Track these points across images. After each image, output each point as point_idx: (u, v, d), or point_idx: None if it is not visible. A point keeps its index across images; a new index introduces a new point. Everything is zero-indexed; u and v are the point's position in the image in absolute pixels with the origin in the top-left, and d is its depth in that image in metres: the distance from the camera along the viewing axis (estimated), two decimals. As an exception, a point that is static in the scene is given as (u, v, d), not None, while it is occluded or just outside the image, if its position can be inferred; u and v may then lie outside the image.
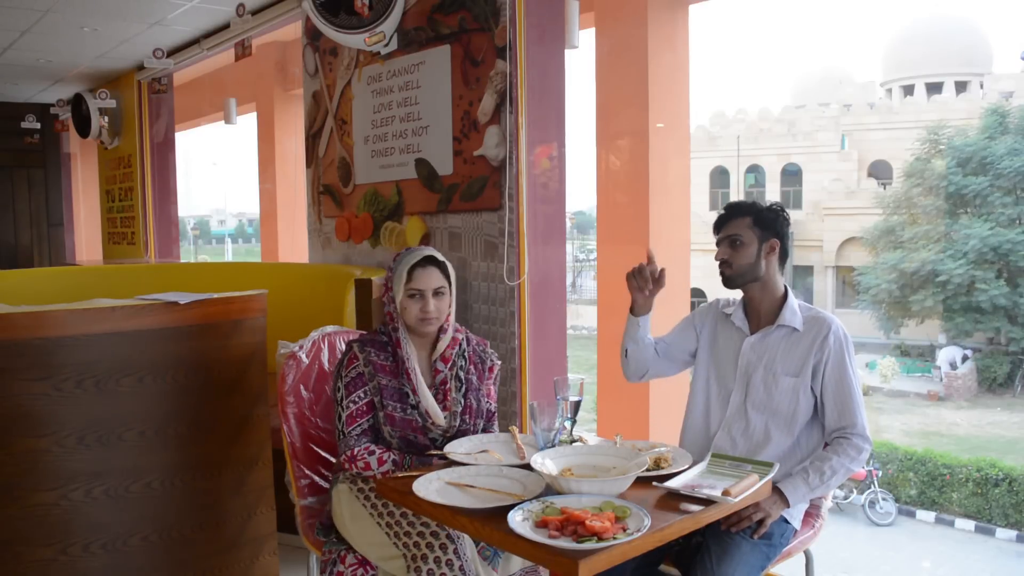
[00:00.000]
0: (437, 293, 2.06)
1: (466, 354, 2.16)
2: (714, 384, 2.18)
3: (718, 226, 2.16)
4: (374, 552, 1.94)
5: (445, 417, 2.08)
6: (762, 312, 2.14)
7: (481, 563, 1.95)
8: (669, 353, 2.25)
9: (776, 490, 1.94)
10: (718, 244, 2.15)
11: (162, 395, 2.21)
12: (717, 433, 2.11)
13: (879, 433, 15.48)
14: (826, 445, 2.07)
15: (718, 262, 2.13)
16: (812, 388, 2.05)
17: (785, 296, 2.13)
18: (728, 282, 2.13)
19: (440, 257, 2.10)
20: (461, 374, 2.14)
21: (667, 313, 2.31)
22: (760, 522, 1.92)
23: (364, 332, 2.33)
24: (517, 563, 2.03)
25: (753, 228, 2.10)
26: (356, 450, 2.01)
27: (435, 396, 2.09)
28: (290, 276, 4.02)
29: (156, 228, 6.47)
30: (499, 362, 2.25)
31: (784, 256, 2.14)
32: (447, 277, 2.09)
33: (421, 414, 2.05)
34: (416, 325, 2.07)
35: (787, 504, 1.96)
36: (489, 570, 1.98)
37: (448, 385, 2.11)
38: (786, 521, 2.01)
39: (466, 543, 1.88)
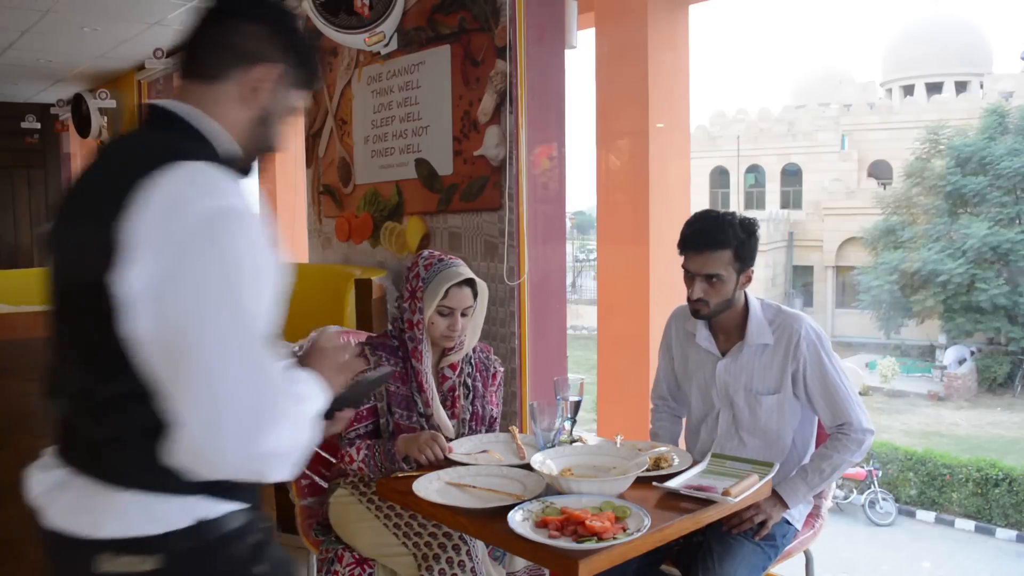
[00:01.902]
0: (465, 313, 2.07)
1: (472, 360, 2.17)
2: (700, 404, 2.15)
3: (689, 251, 1.97)
4: (377, 550, 1.94)
5: (454, 425, 2.09)
6: (730, 329, 2.06)
7: (492, 563, 1.95)
8: (678, 396, 2.27)
9: (775, 493, 1.94)
10: (689, 274, 1.98)
11: (162, 395, 2.21)
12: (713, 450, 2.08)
13: (879, 433, 15.39)
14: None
15: (692, 300, 1.98)
16: (796, 395, 2.01)
17: (747, 306, 2.04)
18: (701, 316, 2.02)
19: (475, 278, 2.10)
20: (468, 380, 2.14)
21: (667, 314, 2.31)
22: (762, 524, 1.91)
23: (373, 334, 2.31)
24: (521, 559, 2.03)
25: (733, 263, 1.95)
26: (349, 451, 2.03)
27: (443, 403, 2.09)
28: (290, 276, 4.00)
29: (156, 228, 6.47)
30: (502, 368, 2.26)
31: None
32: (475, 295, 2.10)
33: (432, 425, 2.05)
34: (439, 340, 2.08)
35: (786, 506, 1.95)
36: (500, 569, 1.99)
37: (457, 392, 2.11)
38: (788, 522, 2.00)
39: (478, 544, 1.88)
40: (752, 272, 2.01)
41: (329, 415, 1.27)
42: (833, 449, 1.97)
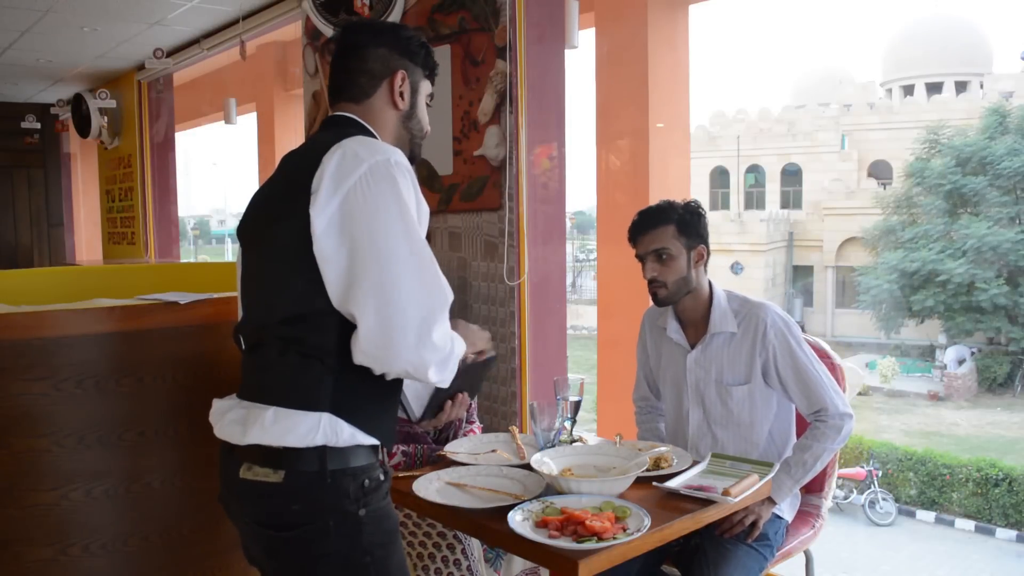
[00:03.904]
0: None
1: None
2: (672, 402, 2.15)
3: (636, 236, 2.04)
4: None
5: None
6: (697, 319, 2.07)
7: (484, 565, 1.95)
8: (659, 394, 2.26)
9: None
10: (641, 259, 2.03)
11: (162, 395, 2.21)
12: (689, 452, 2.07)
13: (879, 433, 15.47)
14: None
15: (647, 280, 2.02)
16: (769, 385, 2.01)
17: (711, 296, 2.06)
18: (662, 302, 2.04)
19: None
20: None
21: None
22: (753, 525, 1.91)
23: None
24: (519, 564, 2.03)
25: (679, 238, 1.99)
26: None
27: None
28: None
29: (156, 228, 6.47)
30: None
31: (707, 258, 2.06)
32: None
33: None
34: None
35: (774, 503, 1.95)
36: (492, 573, 1.99)
37: None
38: (778, 516, 2.00)
39: (474, 543, 1.88)
40: (704, 250, 2.03)
41: (446, 399, 1.44)
42: (813, 439, 1.95)
